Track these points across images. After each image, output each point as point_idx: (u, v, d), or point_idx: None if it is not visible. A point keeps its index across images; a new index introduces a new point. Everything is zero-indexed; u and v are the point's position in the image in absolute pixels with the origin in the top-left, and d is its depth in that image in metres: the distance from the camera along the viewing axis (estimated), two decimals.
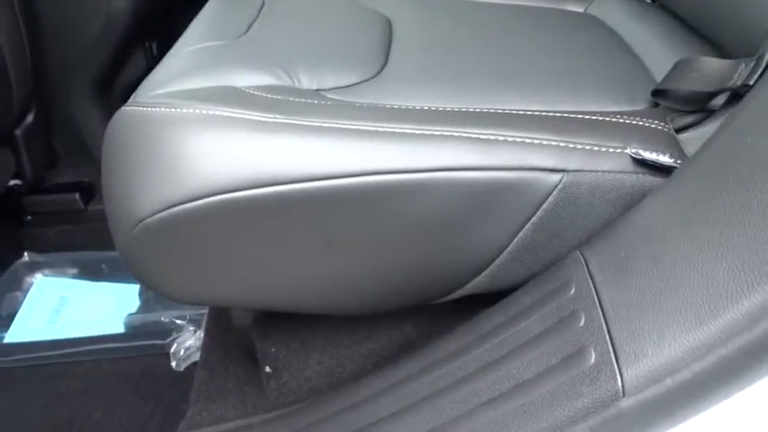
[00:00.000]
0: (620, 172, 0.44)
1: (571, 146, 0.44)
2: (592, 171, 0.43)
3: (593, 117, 0.48)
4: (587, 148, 0.44)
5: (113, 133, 0.50)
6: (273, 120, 0.43)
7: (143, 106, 0.48)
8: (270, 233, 0.42)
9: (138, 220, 0.43)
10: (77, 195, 1.17)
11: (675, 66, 0.54)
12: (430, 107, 0.50)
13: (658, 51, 0.67)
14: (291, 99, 0.50)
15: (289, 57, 0.61)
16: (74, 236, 1.17)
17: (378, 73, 0.61)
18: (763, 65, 0.45)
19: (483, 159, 0.42)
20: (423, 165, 0.41)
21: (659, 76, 0.62)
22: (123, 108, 0.51)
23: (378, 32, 0.69)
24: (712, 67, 0.50)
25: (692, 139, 0.50)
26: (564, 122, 0.46)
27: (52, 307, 1.03)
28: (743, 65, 0.47)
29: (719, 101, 0.50)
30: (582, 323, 0.38)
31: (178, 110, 0.45)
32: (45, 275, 1.11)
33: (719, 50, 0.63)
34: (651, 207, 0.40)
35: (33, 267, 1.12)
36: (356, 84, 0.59)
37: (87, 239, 1.16)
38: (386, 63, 0.63)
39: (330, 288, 0.45)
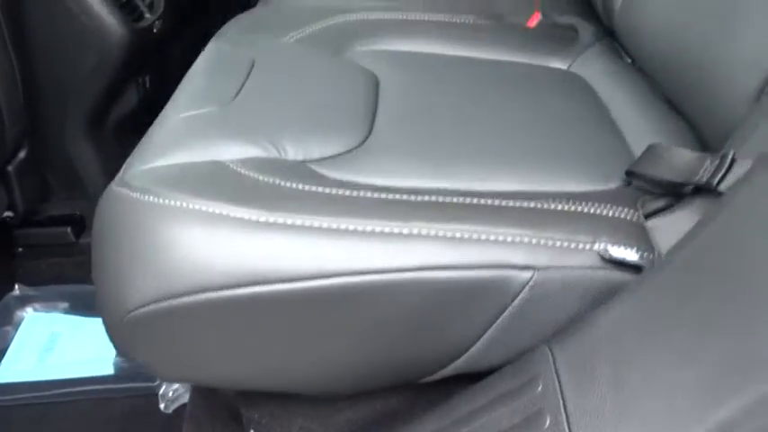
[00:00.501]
0: (588, 268, 0.46)
1: (542, 242, 0.46)
2: (561, 267, 0.45)
3: (564, 207, 0.50)
4: (557, 244, 0.46)
5: (104, 214, 0.52)
6: (257, 219, 0.45)
7: (133, 191, 0.50)
8: (254, 328, 0.44)
9: (127, 310, 0.44)
10: (69, 229, 1.18)
11: (648, 149, 0.56)
12: (408, 192, 0.52)
13: (636, 120, 0.69)
14: (277, 182, 0.52)
15: (276, 126, 0.62)
16: (65, 268, 1.19)
17: (362, 142, 0.63)
18: (726, 165, 0.47)
19: (457, 258, 0.44)
20: (399, 265, 0.43)
21: (636, 147, 0.65)
22: (114, 188, 0.53)
23: (364, 95, 0.71)
24: (681, 158, 0.52)
25: (660, 227, 0.52)
26: (535, 215, 0.48)
27: (42, 344, 1.04)
28: (708, 161, 0.49)
29: (689, 188, 0.52)
30: (547, 425, 0.39)
31: (167, 201, 0.47)
32: (36, 310, 1.13)
33: (691, 125, 0.65)
34: (615, 310, 0.42)
35: (24, 301, 1.13)
36: (340, 154, 0.61)
37: (78, 272, 1.17)
38: (371, 131, 0.65)
39: (314, 373, 0.47)
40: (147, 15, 1.11)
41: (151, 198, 0.48)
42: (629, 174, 0.57)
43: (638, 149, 0.63)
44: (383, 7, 0.90)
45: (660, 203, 0.53)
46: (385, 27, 0.87)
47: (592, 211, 0.50)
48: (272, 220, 0.45)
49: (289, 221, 0.45)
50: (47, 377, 0.95)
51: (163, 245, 0.45)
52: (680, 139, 0.63)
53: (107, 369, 0.96)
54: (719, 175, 0.48)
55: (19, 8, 0.98)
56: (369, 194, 0.50)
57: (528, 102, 0.72)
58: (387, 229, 0.44)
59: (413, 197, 0.50)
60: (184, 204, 0.46)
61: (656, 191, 0.54)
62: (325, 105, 0.68)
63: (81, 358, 0.99)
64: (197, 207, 0.46)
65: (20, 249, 1.20)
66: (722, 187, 0.48)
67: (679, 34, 0.62)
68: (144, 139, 0.62)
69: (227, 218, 0.45)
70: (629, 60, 0.82)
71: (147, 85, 1.20)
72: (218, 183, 0.51)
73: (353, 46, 0.84)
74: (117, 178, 0.55)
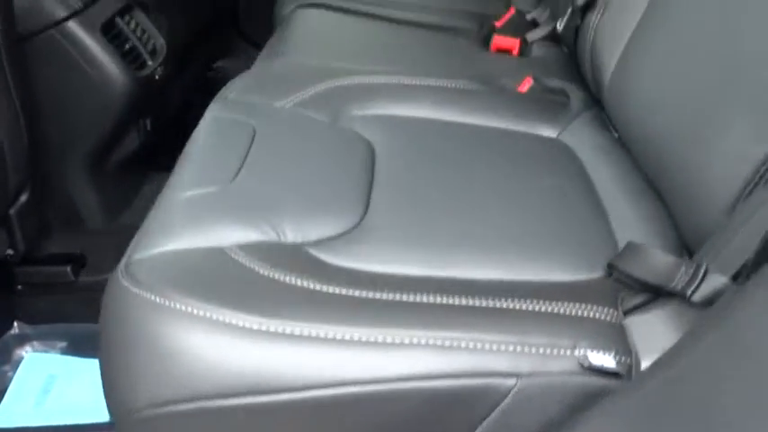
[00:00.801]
0: (569, 373, 0.49)
1: (526, 349, 0.49)
2: (543, 373, 0.48)
3: (546, 309, 0.53)
4: (540, 350, 0.49)
5: (110, 304, 0.54)
6: (257, 328, 0.47)
7: (139, 287, 0.52)
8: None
9: (129, 410, 0.47)
10: (69, 268, 1.20)
11: (627, 246, 0.59)
12: (401, 285, 0.55)
13: (621, 201, 0.72)
14: (276, 277, 0.55)
15: (275, 207, 0.65)
16: (64, 306, 1.20)
17: (358, 223, 0.66)
18: (699, 277, 0.50)
19: (445, 367, 0.46)
20: (389, 374, 0.45)
21: (619, 232, 0.67)
22: (121, 279, 0.55)
23: (360, 169, 0.74)
24: (658, 260, 0.55)
25: (639, 324, 0.54)
26: (519, 318, 0.51)
27: (41, 386, 1.06)
28: (683, 268, 0.52)
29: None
30: None
31: (170, 304, 0.49)
32: (34, 348, 1.14)
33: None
34: (595, 422, 0.45)
35: (23, 339, 1.15)
36: (337, 236, 0.64)
37: (77, 310, 1.19)
38: (366, 210, 0.68)
39: None
40: (150, 63, 1.14)
41: (156, 298, 0.50)
42: (611, 266, 0.60)
43: (621, 236, 0.66)
44: (379, 71, 0.92)
45: (639, 300, 0.56)
46: (381, 91, 0.90)
47: (573, 312, 0.53)
48: (272, 329, 0.47)
49: (287, 330, 0.47)
50: (44, 422, 0.97)
51: (165, 350, 0.47)
52: (660, 227, 0.66)
53: (103, 416, 0.98)
54: (693, 286, 0.51)
55: (23, 57, 1.00)
56: (361, 294, 0.53)
57: (517, 179, 0.74)
58: (380, 338, 0.47)
59: (405, 296, 0.53)
60: (188, 309, 0.49)
61: (635, 286, 0.57)
62: (323, 182, 0.70)
63: (78, 402, 1.01)
64: (200, 313, 0.48)
65: (19, 287, 1.22)
66: (695, 298, 0.51)
67: (660, 136, 0.65)
68: (148, 220, 0.64)
69: (228, 325, 0.48)
70: (617, 134, 0.85)
71: (148, 127, 1.22)
72: (219, 280, 0.54)
73: (350, 110, 0.87)
74: (123, 265, 0.58)
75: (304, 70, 0.92)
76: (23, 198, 1.13)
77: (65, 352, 1.14)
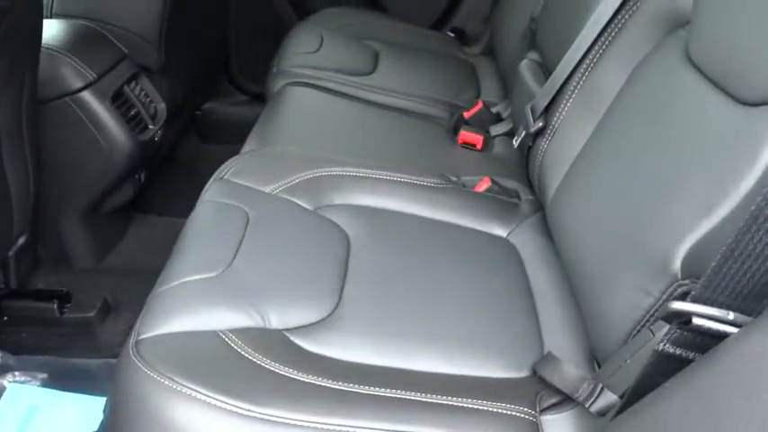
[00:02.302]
0: None
1: None
2: None
3: (478, 406, 0.67)
4: None
5: (120, 377, 0.66)
6: (246, 414, 0.60)
7: (147, 366, 0.64)
8: None
9: None
10: (55, 304, 1.28)
11: (546, 356, 0.74)
12: (362, 374, 0.68)
13: (552, 305, 0.86)
14: (262, 364, 0.67)
15: (262, 294, 0.78)
16: (48, 340, 1.29)
17: (332, 312, 0.79)
18: (595, 395, 0.64)
19: None
20: None
21: (547, 336, 0.82)
22: (131, 355, 0.67)
23: (337, 259, 0.86)
24: (568, 373, 0.69)
25: (551, 422, 0.69)
26: (448, 411, 0.65)
27: (22, 416, 1.14)
28: (585, 384, 0.67)
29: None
30: None
31: (171, 385, 0.62)
32: (15, 378, 1.22)
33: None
34: None
35: (5, 369, 1.23)
36: (313, 324, 0.77)
37: (60, 344, 1.28)
38: (339, 301, 0.80)
39: None
40: (151, 126, 1.25)
41: (160, 378, 0.62)
42: (534, 370, 0.74)
43: (548, 340, 0.81)
44: (358, 163, 1.06)
45: (553, 400, 0.71)
46: (358, 182, 1.03)
47: (499, 410, 0.67)
48: (258, 414, 0.60)
49: (268, 416, 0.60)
50: None
51: (163, 423, 0.59)
52: (578, 337, 0.80)
53: None
54: (591, 399, 0.65)
55: (39, 120, 1.10)
56: (331, 385, 0.66)
57: (469, 278, 0.88)
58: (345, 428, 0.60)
59: (369, 389, 0.66)
60: (185, 390, 0.61)
61: (552, 388, 0.71)
62: (304, 272, 0.83)
63: None
64: (196, 395, 0.61)
65: (5, 318, 1.29)
66: (592, 409, 0.65)
67: (578, 267, 0.80)
68: (153, 299, 0.76)
69: (222, 410, 0.60)
70: None
71: (142, 179, 1.33)
72: (213, 365, 0.66)
73: (331, 198, 1.00)
74: (133, 343, 0.69)
75: (290, 158, 1.05)
76: (21, 240, 1.22)
77: (45, 384, 1.22)
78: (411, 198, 1.03)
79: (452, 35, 1.82)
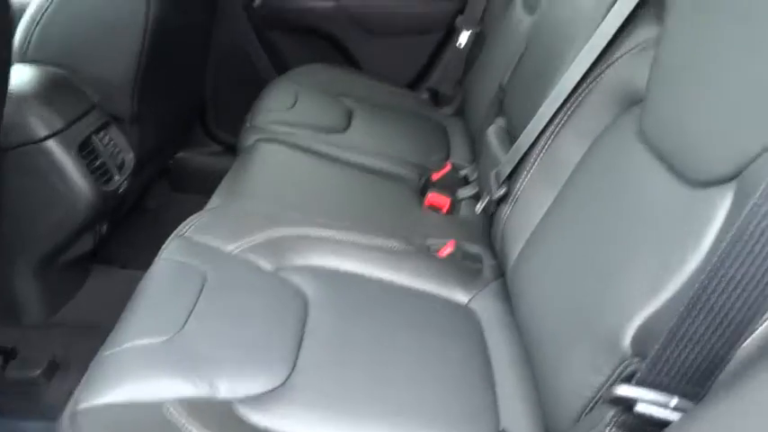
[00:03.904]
0: None
1: None
2: None
3: None
4: None
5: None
6: None
7: None
8: None
9: None
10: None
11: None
12: None
13: (510, 376, 0.85)
14: None
15: (213, 362, 0.75)
16: None
17: (283, 382, 0.76)
18: None
19: None
20: None
21: (503, 407, 0.80)
22: (67, 424, 0.63)
23: (293, 324, 0.85)
24: None
25: None
26: None
27: None
28: None
29: None
30: None
31: None
32: None
33: None
34: None
35: None
36: (263, 394, 0.74)
37: (1, 403, 1.21)
38: (293, 369, 0.78)
39: None
40: (116, 177, 1.24)
41: None
42: None
43: (503, 412, 0.79)
44: (323, 224, 1.05)
45: None
46: (322, 244, 1.02)
47: None
48: None
49: None
50: None
51: None
52: (532, 409, 0.79)
53: None
54: None
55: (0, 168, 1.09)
56: None
57: (427, 347, 0.87)
58: None
59: None
60: None
61: None
62: (259, 338, 0.81)
63: None
64: None
65: None
66: None
67: (532, 342, 0.80)
68: (96, 365, 0.73)
69: None
70: None
71: (103, 231, 1.30)
72: None
73: (293, 259, 0.99)
74: (69, 413, 0.66)
75: (255, 216, 1.04)
76: None
77: None
78: (374, 261, 1.02)
79: (426, 95, 1.86)
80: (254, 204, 1.09)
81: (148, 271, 0.90)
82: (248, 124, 1.46)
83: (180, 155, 1.92)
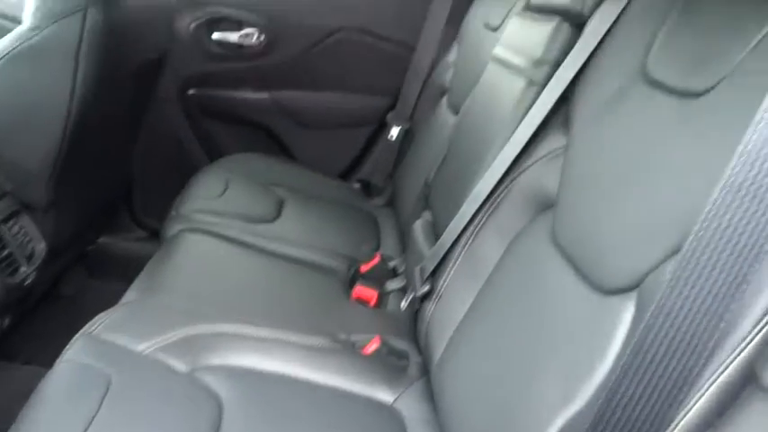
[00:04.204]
0: None
1: None
2: None
3: None
4: None
5: None
6: None
7: None
8: None
9: None
10: None
11: None
12: None
13: None
14: None
15: None
16: None
17: None
18: None
19: None
20: None
21: None
22: None
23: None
24: None
25: None
26: None
27: None
28: None
29: None
30: None
31: None
32: None
33: None
34: None
35: None
36: None
37: None
38: None
39: None
40: (23, 269, 1.16)
41: None
42: None
43: None
44: (244, 320, 1.02)
45: None
46: (241, 342, 0.98)
47: None
48: None
49: None
50: None
51: None
52: None
53: None
54: None
55: None
56: None
57: None
58: None
59: None
60: None
61: None
62: None
63: None
64: None
65: None
66: None
67: None
68: None
69: None
70: None
71: (5, 325, 1.21)
72: None
73: (209, 359, 0.94)
74: None
75: (172, 312, 1.00)
76: None
77: None
78: (296, 360, 0.99)
79: (358, 186, 1.89)
80: (171, 299, 1.05)
81: (47, 375, 0.83)
82: (174, 212, 1.43)
83: (102, 240, 1.85)
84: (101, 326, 0.94)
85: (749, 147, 0.40)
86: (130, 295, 1.08)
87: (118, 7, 1.30)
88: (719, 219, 0.41)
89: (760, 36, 0.55)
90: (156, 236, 1.80)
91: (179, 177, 1.66)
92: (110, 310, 0.99)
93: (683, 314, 0.44)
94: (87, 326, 0.94)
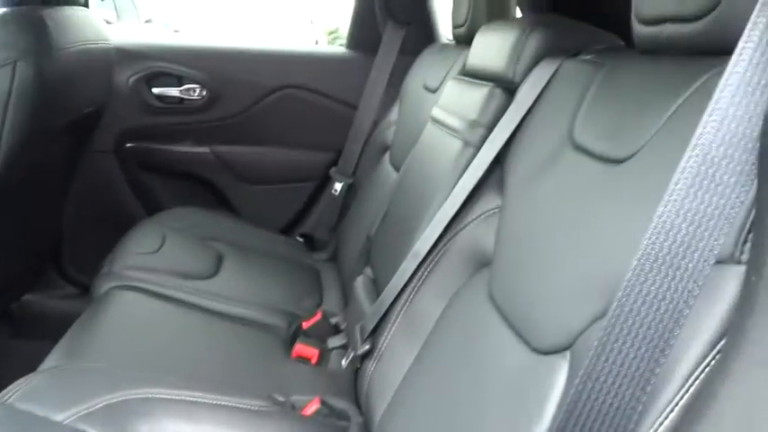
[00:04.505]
0: None
1: None
2: None
3: None
4: None
5: None
6: None
7: None
8: None
9: None
10: None
11: None
12: None
13: None
14: None
15: None
16: None
17: None
18: None
19: None
20: None
21: None
22: None
23: None
24: None
25: None
26: None
27: None
28: None
29: None
30: None
31: None
32: None
33: None
34: None
35: None
36: None
37: None
38: None
39: None
40: None
41: None
42: None
43: None
44: (176, 384, 0.97)
45: None
46: (173, 408, 0.93)
47: None
48: None
49: None
50: None
51: None
52: None
53: None
54: None
55: None
56: None
57: None
58: None
59: None
60: None
61: None
62: None
63: None
64: None
65: None
66: None
67: None
68: None
69: None
70: None
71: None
72: None
73: (136, 426, 0.88)
74: None
75: (97, 378, 0.94)
76: None
77: None
78: (231, 425, 0.94)
79: (301, 240, 1.88)
80: (97, 363, 0.99)
81: None
82: (105, 268, 1.37)
83: (26, 297, 1.74)
84: (16, 394, 0.87)
85: (663, 218, 0.43)
86: (52, 359, 1.02)
87: (51, 60, 1.27)
88: (640, 286, 0.43)
89: (669, 113, 0.59)
90: (87, 293, 1.73)
91: (114, 232, 1.60)
92: (29, 377, 0.92)
93: (611, 380, 0.45)
94: (2, 394, 0.88)
